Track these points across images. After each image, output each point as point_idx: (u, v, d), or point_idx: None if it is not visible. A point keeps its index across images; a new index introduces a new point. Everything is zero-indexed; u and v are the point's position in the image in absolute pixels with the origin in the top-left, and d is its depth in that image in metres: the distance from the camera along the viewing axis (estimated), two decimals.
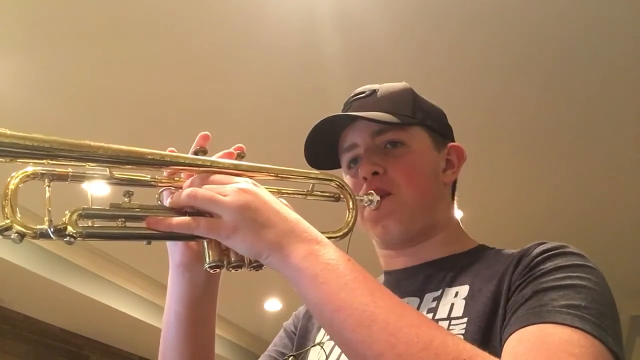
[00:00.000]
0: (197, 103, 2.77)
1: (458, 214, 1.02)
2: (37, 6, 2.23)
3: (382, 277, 0.97)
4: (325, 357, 0.88)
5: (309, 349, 0.93)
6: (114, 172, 0.68)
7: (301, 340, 0.98)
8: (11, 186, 0.60)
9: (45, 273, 3.71)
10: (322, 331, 0.95)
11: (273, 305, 5.01)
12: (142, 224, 0.68)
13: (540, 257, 0.76)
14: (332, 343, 0.89)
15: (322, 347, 0.90)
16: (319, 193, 0.89)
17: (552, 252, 0.76)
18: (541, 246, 0.79)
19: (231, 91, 2.70)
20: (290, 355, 0.94)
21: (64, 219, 0.61)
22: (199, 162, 0.73)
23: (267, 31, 2.37)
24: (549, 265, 0.74)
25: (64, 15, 2.28)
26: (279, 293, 4.81)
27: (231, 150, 0.78)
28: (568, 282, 0.70)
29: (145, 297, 4.47)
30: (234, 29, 2.36)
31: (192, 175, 0.73)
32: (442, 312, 0.80)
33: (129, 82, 2.63)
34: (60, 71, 2.57)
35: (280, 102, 2.78)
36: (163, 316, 0.85)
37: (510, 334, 0.66)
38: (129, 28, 2.35)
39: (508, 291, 0.75)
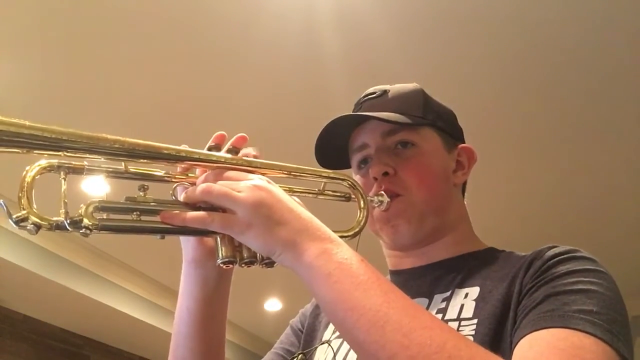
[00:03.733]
0: (197, 102, 2.77)
1: None
2: (36, 7, 2.23)
3: (388, 277, 0.96)
4: (332, 355, 0.87)
5: (317, 347, 0.93)
6: (129, 166, 0.68)
7: (308, 338, 0.98)
8: (27, 178, 0.60)
9: (45, 273, 3.70)
10: (329, 329, 0.95)
11: (273, 305, 5.00)
12: (157, 218, 0.68)
13: (552, 261, 0.76)
14: (339, 341, 0.89)
15: (329, 344, 0.90)
16: (330, 192, 0.89)
17: (564, 256, 0.76)
18: (553, 250, 0.79)
19: (231, 90, 2.70)
20: (300, 353, 0.94)
21: (79, 211, 0.62)
22: (214, 158, 0.73)
23: (267, 30, 2.37)
24: (561, 269, 0.73)
25: (63, 16, 2.27)
26: (279, 293, 4.80)
27: (243, 134, 0.78)
28: (580, 286, 0.70)
29: (145, 297, 4.47)
30: (234, 27, 2.36)
31: (206, 171, 0.74)
32: (451, 313, 0.80)
33: (128, 81, 2.62)
34: (59, 72, 2.56)
35: (280, 101, 2.77)
36: (175, 312, 0.85)
37: (521, 338, 0.66)
38: (128, 28, 2.35)
39: (519, 294, 0.75)
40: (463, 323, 0.77)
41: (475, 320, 0.76)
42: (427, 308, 0.84)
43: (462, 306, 0.80)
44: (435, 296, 0.86)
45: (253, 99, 2.75)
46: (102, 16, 2.29)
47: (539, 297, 0.71)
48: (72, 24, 2.32)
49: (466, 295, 0.82)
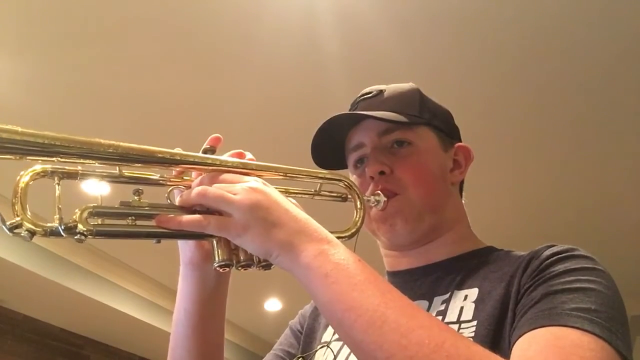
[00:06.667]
0: (197, 102, 2.77)
1: None
2: (35, 6, 2.22)
3: (385, 279, 0.96)
4: (332, 357, 0.87)
5: (317, 350, 0.92)
6: (123, 171, 0.68)
7: (307, 339, 0.98)
8: (21, 184, 0.60)
9: (45, 273, 3.70)
10: (329, 331, 0.94)
11: (273, 305, 5.01)
12: (152, 223, 0.68)
13: (549, 260, 0.76)
14: (339, 343, 0.89)
15: (329, 346, 0.90)
16: (327, 193, 0.89)
17: (562, 254, 0.76)
18: (551, 249, 0.79)
19: (230, 90, 2.70)
20: (300, 357, 0.93)
21: (74, 216, 0.61)
22: (209, 161, 0.73)
23: (267, 30, 2.37)
24: (559, 268, 0.73)
25: (62, 15, 2.27)
26: (279, 293, 4.81)
27: (241, 150, 0.78)
28: (578, 285, 0.69)
29: (145, 297, 4.47)
30: (233, 28, 2.36)
31: (202, 174, 0.73)
32: (451, 316, 0.80)
33: (127, 82, 2.62)
34: (57, 71, 2.56)
35: (280, 101, 2.78)
36: (173, 313, 0.85)
37: (520, 336, 0.66)
38: (127, 27, 2.35)
39: (517, 294, 0.75)
40: (463, 325, 0.77)
41: (474, 322, 0.76)
42: (427, 310, 0.83)
43: (461, 308, 0.80)
44: (435, 298, 0.85)
45: (253, 99, 2.74)
46: (101, 15, 2.29)
47: (536, 296, 0.70)
48: (74, 24, 2.32)
49: (465, 297, 0.81)
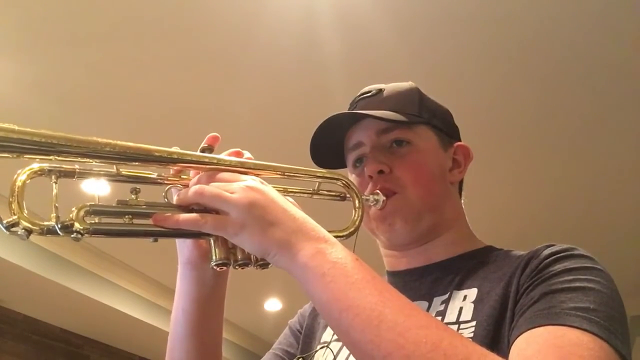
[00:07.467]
0: (196, 103, 2.77)
1: None
2: (36, 7, 2.23)
3: (385, 278, 0.96)
4: (332, 357, 0.87)
5: (317, 350, 0.92)
6: (120, 169, 0.68)
7: (307, 339, 0.98)
8: (18, 182, 0.60)
9: (45, 273, 3.70)
10: (328, 331, 0.94)
11: (273, 305, 5.01)
12: (149, 221, 0.68)
13: (548, 260, 0.75)
14: (339, 344, 0.88)
15: (328, 347, 0.90)
16: (325, 192, 0.89)
17: (561, 254, 0.76)
18: (550, 248, 0.79)
19: (230, 91, 2.70)
20: (299, 357, 0.93)
21: (70, 215, 0.61)
22: (206, 160, 0.72)
23: (267, 30, 2.37)
24: (558, 267, 0.73)
25: (63, 16, 2.27)
26: (279, 293, 4.81)
27: (238, 149, 0.78)
28: (577, 284, 0.69)
29: (145, 297, 4.47)
30: (233, 28, 2.36)
31: (199, 173, 0.73)
32: (450, 316, 0.80)
33: (127, 82, 2.62)
34: (59, 71, 2.56)
35: (280, 101, 2.77)
36: (172, 313, 0.85)
37: (518, 336, 0.66)
38: (127, 28, 2.35)
39: (516, 293, 0.75)
40: (462, 326, 0.77)
41: (473, 323, 0.76)
42: (427, 311, 0.83)
43: (460, 309, 0.80)
44: (435, 299, 0.85)
45: (253, 100, 2.74)
46: (101, 16, 2.29)
47: (535, 295, 0.70)
48: (75, 24, 2.32)
49: (465, 297, 0.81)
